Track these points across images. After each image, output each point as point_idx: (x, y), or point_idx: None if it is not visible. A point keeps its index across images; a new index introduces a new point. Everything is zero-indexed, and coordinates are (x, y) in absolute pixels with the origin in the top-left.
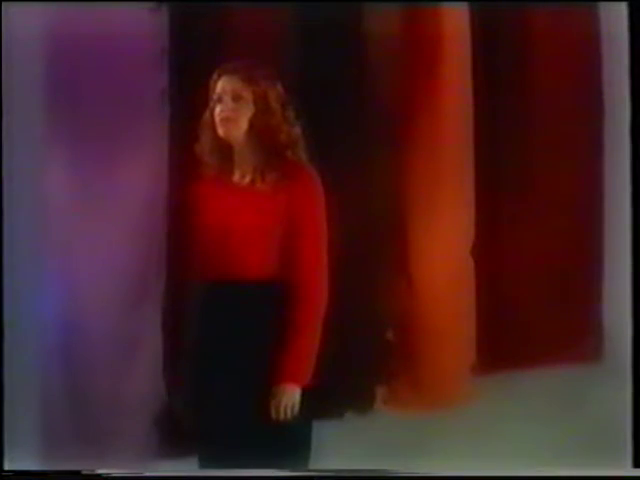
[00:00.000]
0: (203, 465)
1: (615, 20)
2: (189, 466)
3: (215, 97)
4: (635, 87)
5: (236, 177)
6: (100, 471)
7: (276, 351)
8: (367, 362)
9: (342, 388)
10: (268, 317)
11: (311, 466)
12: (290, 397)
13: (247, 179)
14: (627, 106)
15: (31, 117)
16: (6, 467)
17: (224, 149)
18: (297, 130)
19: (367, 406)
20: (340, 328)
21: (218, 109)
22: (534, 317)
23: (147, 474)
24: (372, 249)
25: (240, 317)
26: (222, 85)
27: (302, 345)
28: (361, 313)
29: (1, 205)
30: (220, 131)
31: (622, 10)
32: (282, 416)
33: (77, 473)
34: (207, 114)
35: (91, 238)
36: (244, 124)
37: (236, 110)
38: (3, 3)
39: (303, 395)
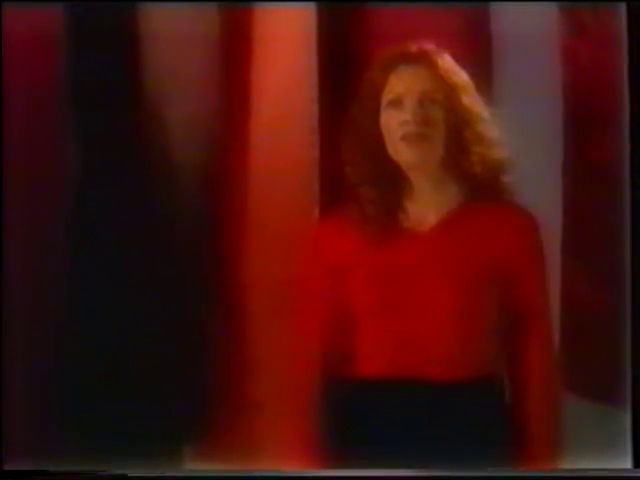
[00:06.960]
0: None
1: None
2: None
3: None
4: (635, 87)
5: None
6: (99, 471)
7: None
8: None
9: None
10: None
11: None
12: None
13: None
14: (627, 106)
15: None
16: (6, 467)
17: None
18: None
19: None
20: None
21: None
22: None
23: (148, 474)
24: None
25: None
26: None
27: None
28: None
29: (1, 205)
30: None
31: (622, 10)
32: None
33: (78, 473)
34: None
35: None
36: None
37: None
38: (3, 3)
39: None
